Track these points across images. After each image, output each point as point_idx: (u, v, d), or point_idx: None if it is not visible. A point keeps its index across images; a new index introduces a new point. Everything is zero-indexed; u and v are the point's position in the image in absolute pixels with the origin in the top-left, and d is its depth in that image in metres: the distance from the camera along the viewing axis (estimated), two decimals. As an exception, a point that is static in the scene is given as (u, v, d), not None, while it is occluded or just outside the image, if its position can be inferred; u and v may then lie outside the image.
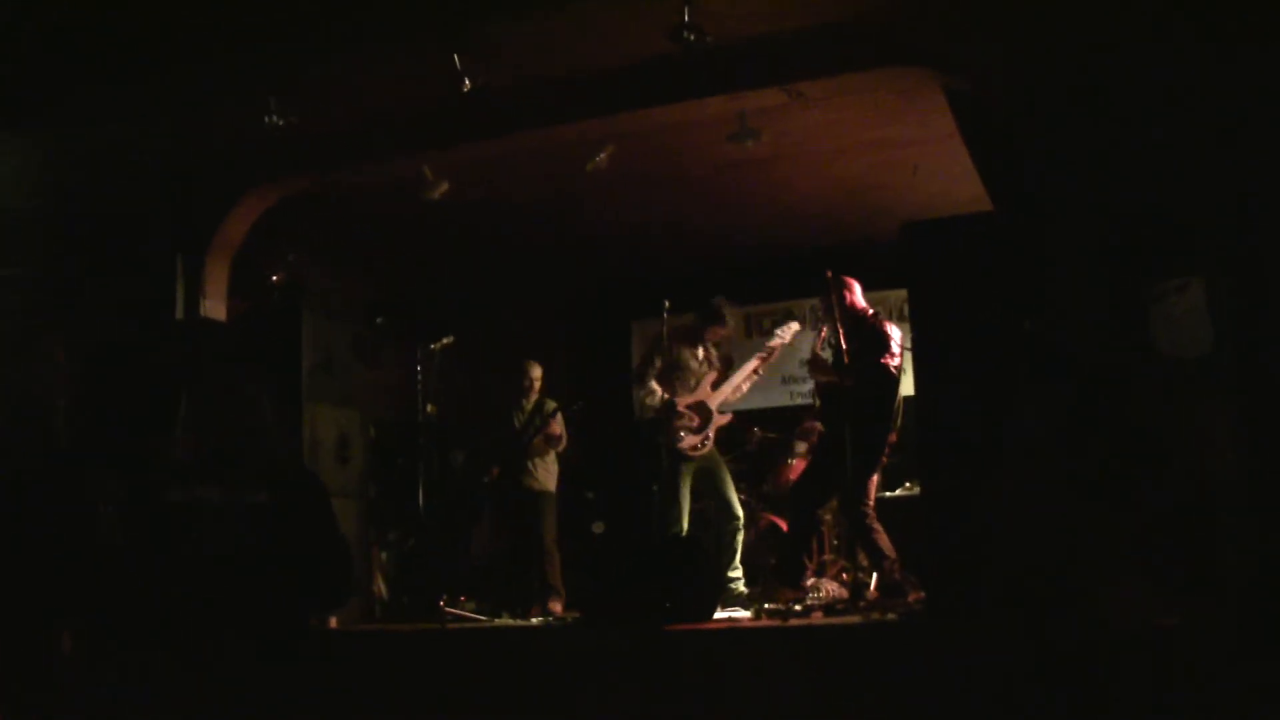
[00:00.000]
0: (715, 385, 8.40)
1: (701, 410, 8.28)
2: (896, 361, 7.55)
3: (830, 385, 7.71)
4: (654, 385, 8.32)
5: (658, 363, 8.39)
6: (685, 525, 8.17)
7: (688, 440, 8.17)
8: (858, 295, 7.77)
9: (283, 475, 4.06)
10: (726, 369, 8.60)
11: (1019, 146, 6.40)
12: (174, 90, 7.20)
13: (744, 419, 10.15)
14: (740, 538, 8.26)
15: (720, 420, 8.35)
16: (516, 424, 9.32)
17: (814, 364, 7.98)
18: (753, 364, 8.45)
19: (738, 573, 8.18)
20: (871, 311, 7.79)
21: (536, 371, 9.40)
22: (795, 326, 8.66)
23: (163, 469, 4.13)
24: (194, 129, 7.71)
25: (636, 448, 8.29)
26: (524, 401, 9.37)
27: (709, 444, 8.29)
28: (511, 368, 9.47)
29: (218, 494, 3.90)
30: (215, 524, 3.86)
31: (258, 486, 3.94)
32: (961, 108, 6.86)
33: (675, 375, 8.32)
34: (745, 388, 8.54)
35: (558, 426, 9.24)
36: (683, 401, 8.26)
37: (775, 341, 8.48)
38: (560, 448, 9.33)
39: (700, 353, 8.49)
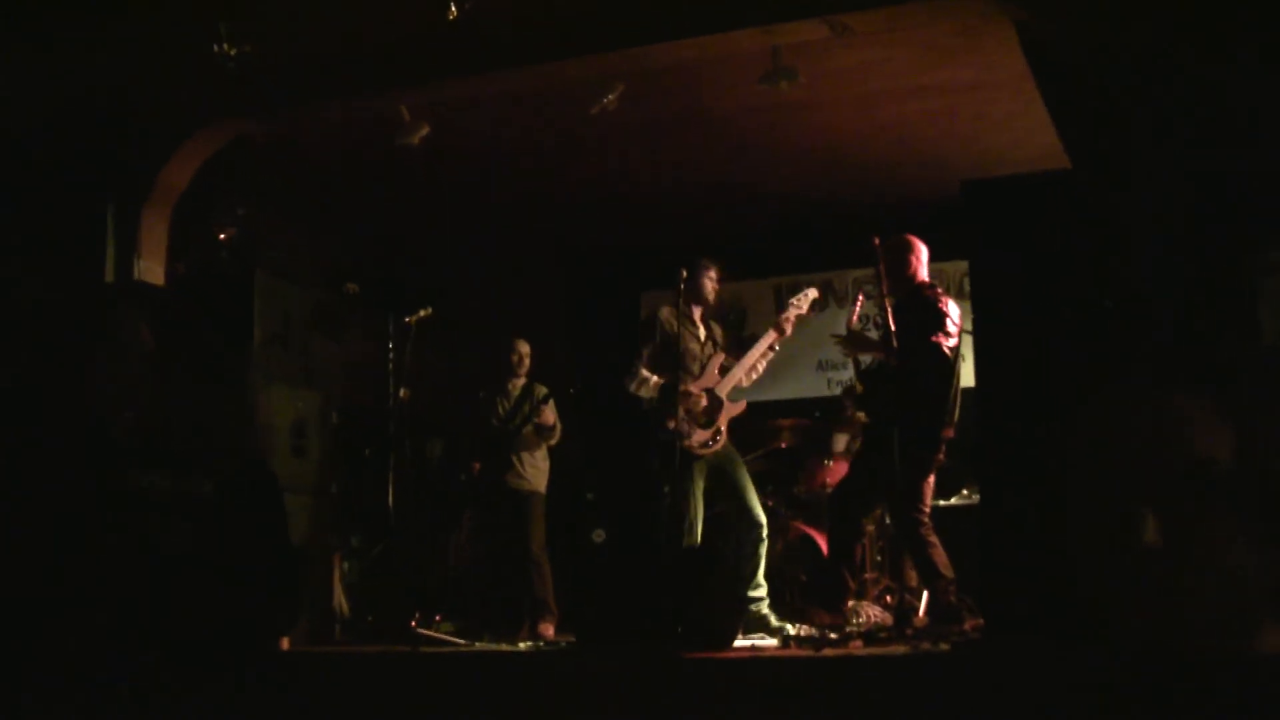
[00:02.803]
0: (724, 369, 8.35)
1: (710, 399, 8.23)
2: (953, 342, 7.50)
3: (873, 367, 7.67)
4: (645, 373, 8.26)
5: (647, 349, 8.34)
6: (699, 534, 8.13)
7: (696, 435, 8.12)
8: (922, 261, 7.69)
9: (229, 464, 4.04)
10: (740, 351, 8.56)
11: (1104, 93, 6.34)
12: (106, 11, 7.16)
13: (773, 410, 10.13)
14: (764, 549, 8.21)
15: (733, 410, 8.29)
16: (501, 411, 9.30)
17: (850, 339, 7.93)
18: (766, 340, 8.38)
19: (760, 591, 8.14)
20: (929, 283, 7.73)
21: (524, 348, 9.40)
22: (812, 294, 8.61)
23: (106, 449, 4.12)
24: (130, 57, 7.68)
25: (645, 441, 8.21)
26: (510, 385, 9.36)
27: (722, 439, 8.23)
28: (499, 346, 9.45)
29: (161, 482, 3.88)
30: (155, 517, 3.84)
31: (202, 475, 3.92)
32: (1035, 46, 6.81)
33: (676, 361, 8.20)
34: (761, 368, 8.50)
35: (550, 415, 9.23)
36: (687, 386, 8.18)
37: (790, 313, 8.42)
38: (553, 440, 9.32)
39: (702, 332, 8.45)
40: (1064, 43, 6.56)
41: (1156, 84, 6.11)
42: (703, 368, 8.33)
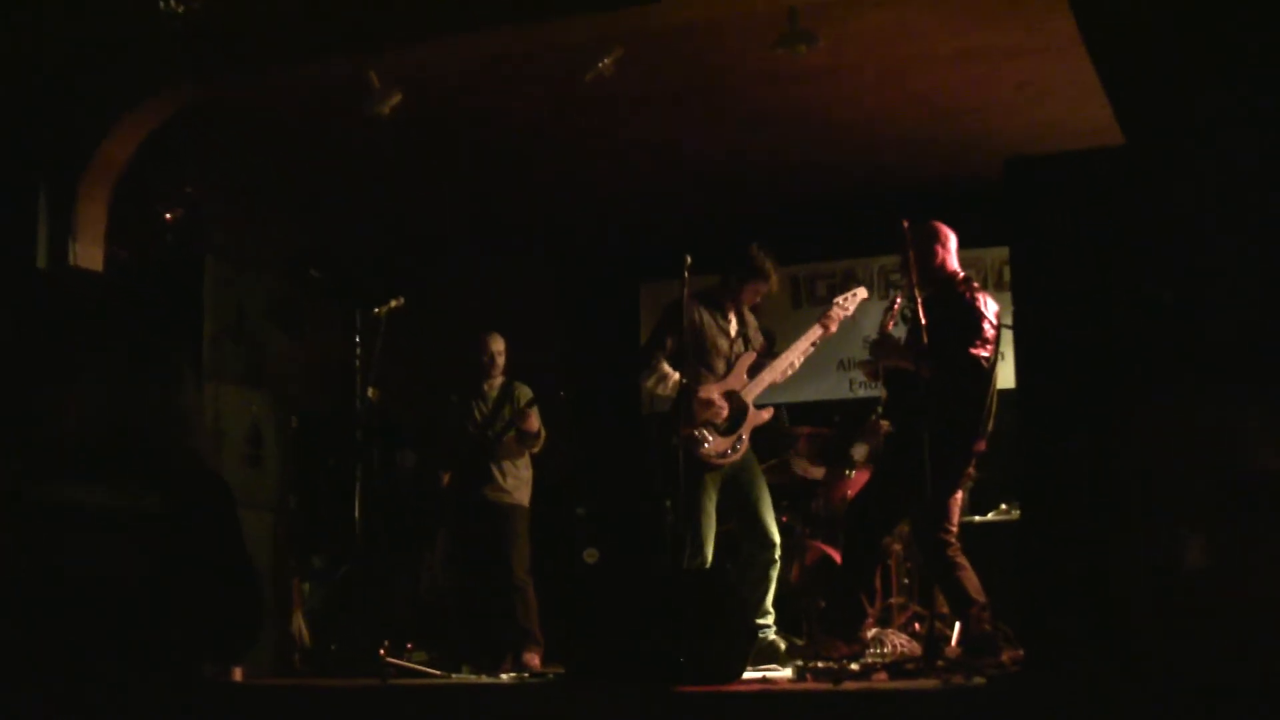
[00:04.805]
0: (753, 370, 8.32)
1: (734, 403, 8.20)
2: (989, 351, 7.49)
3: (899, 371, 7.66)
4: (665, 368, 8.23)
5: (670, 340, 8.29)
6: (710, 554, 8.11)
7: (714, 444, 8.09)
8: (950, 251, 7.69)
9: (177, 475, 4.03)
10: (769, 349, 8.54)
11: (1165, 57, 6.33)
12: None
13: (787, 415, 10.12)
14: (775, 572, 8.21)
15: (759, 418, 8.27)
16: (478, 416, 9.27)
17: (880, 344, 7.92)
18: (806, 340, 8.35)
19: (769, 618, 8.17)
20: (962, 276, 7.73)
21: (498, 345, 9.34)
22: (861, 293, 8.62)
23: (25, 457, 4.11)
24: (66, 18, 7.67)
25: (644, 448, 8.20)
26: (486, 386, 9.32)
27: (742, 448, 8.21)
28: (480, 341, 9.43)
29: (95, 495, 3.87)
30: (86, 535, 3.84)
31: (145, 488, 3.91)
32: (1087, 6, 6.81)
33: (698, 357, 8.20)
34: (798, 364, 8.47)
35: (534, 420, 9.19)
36: (708, 391, 8.17)
37: (835, 312, 8.40)
38: (536, 447, 9.28)
39: (733, 327, 8.42)
40: (1120, 2, 6.55)
41: (1226, 48, 6.10)
42: (729, 367, 8.29)
